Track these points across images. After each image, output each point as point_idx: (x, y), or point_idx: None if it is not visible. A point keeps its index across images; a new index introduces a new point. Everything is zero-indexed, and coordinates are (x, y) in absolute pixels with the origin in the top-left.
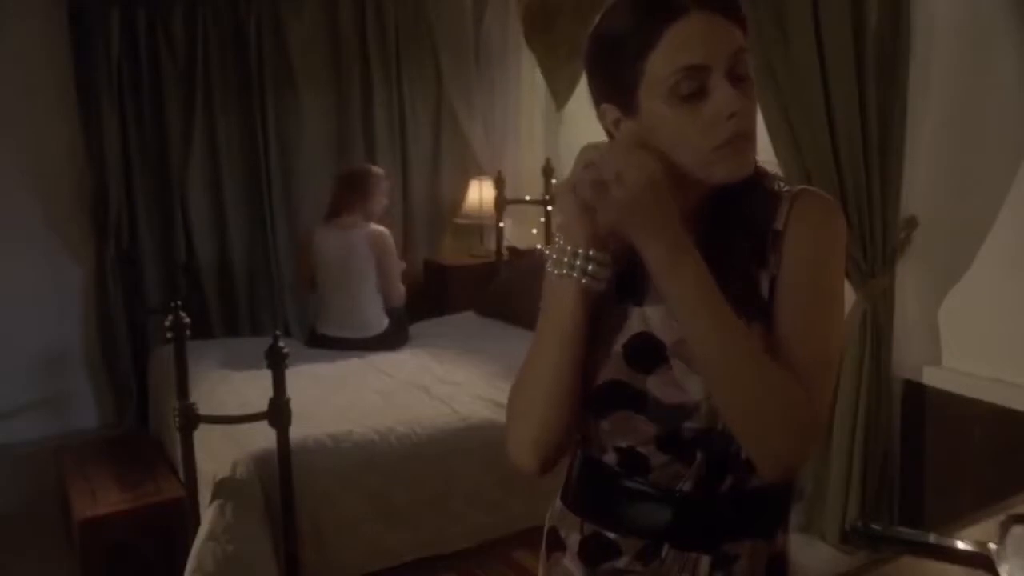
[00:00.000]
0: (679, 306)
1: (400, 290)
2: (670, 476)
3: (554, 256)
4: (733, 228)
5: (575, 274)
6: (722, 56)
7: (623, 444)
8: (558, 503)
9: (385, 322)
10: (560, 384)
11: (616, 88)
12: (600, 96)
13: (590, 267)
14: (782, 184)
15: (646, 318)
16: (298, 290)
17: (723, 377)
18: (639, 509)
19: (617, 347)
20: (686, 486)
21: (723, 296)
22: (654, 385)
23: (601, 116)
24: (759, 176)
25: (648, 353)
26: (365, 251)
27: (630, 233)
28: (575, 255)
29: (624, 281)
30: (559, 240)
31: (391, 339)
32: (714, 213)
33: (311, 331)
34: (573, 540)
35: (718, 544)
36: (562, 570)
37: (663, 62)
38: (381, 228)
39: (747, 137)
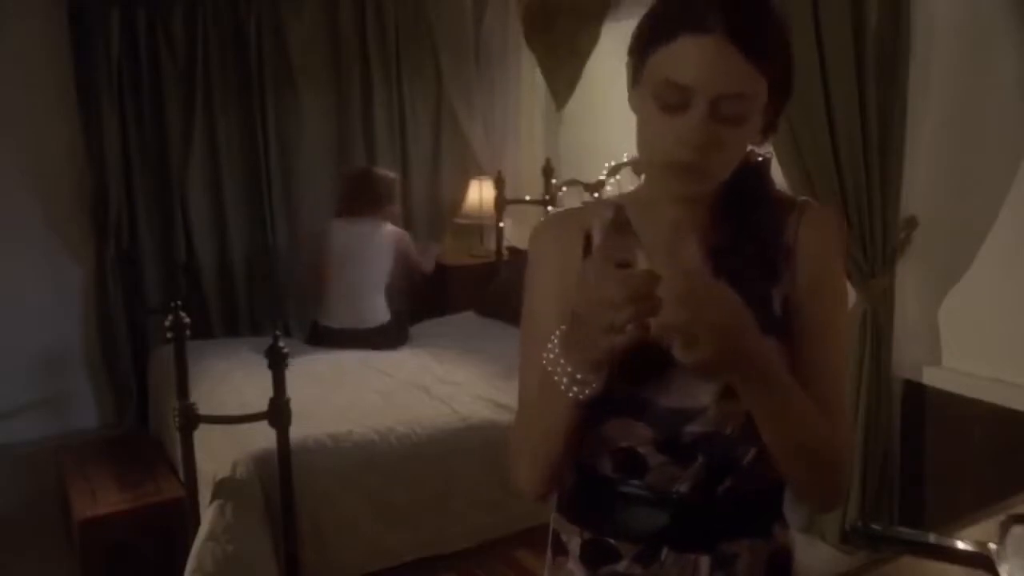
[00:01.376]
0: (758, 412)
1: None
2: (666, 478)
3: (551, 360)
4: (745, 243)
5: (563, 388)
6: (712, 88)
7: (622, 445)
8: (555, 512)
9: (387, 316)
10: (560, 444)
11: (635, 53)
12: (628, 49)
13: (576, 388)
14: (784, 194)
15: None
16: (306, 288)
17: (791, 449)
18: (635, 514)
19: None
20: (683, 488)
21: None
22: (655, 391)
23: (626, 66)
24: (766, 186)
25: (649, 360)
26: (384, 248)
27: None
28: (567, 374)
29: None
30: (555, 348)
31: (391, 333)
32: (724, 223)
33: (313, 325)
34: (574, 544)
35: (716, 544)
36: (565, 573)
37: (660, 64)
38: (398, 229)
39: (694, 170)
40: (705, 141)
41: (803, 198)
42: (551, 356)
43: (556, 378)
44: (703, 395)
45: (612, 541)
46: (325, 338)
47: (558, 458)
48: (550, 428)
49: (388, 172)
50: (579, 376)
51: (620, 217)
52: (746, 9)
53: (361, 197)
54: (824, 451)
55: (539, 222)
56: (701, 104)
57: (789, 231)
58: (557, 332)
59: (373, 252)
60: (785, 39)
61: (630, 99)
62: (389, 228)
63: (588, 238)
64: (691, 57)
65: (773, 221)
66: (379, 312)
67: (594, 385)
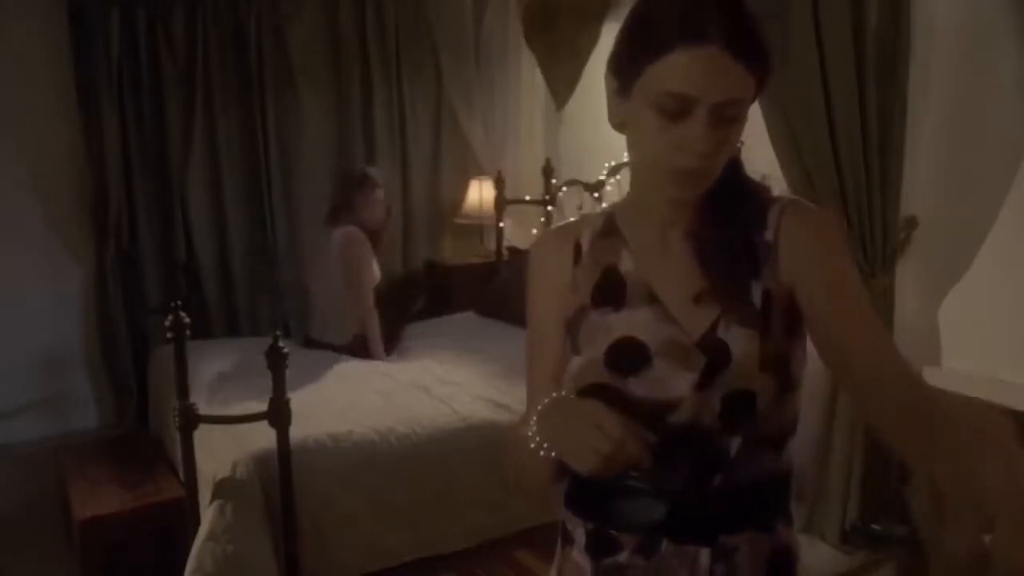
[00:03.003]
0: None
1: (361, 304)
2: (658, 470)
3: (530, 436)
4: (728, 239)
5: (533, 447)
6: (714, 95)
7: None
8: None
9: (355, 330)
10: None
11: (621, 67)
12: (610, 63)
13: (543, 452)
14: (769, 191)
15: (627, 323)
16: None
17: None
18: (633, 506)
19: (598, 354)
20: (676, 481)
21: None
22: (636, 385)
23: (605, 79)
24: (749, 183)
25: (630, 356)
26: (336, 254)
27: None
28: (536, 443)
29: (602, 289)
30: (534, 428)
31: (364, 347)
32: (709, 219)
33: (306, 334)
34: (579, 534)
35: (715, 538)
36: (572, 564)
37: (659, 76)
38: (351, 230)
39: (698, 174)
40: (710, 148)
41: (789, 196)
42: (530, 433)
43: (532, 446)
44: (681, 385)
45: (613, 532)
46: (313, 347)
47: (551, 471)
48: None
49: (355, 169)
50: (553, 455)
51: (608, 223)
52: (735, 17)
53: (331, 208)
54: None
55: (536, 237)
56: (702, 113)
57: (770, 227)
58: (535, 416)
59: (329, 264)
60: (765, 36)
61: (613, 112)
62: (339, 234)
63: (578, 246)
64: (691, 69)
65: (754, 217)
66: (348, 326)
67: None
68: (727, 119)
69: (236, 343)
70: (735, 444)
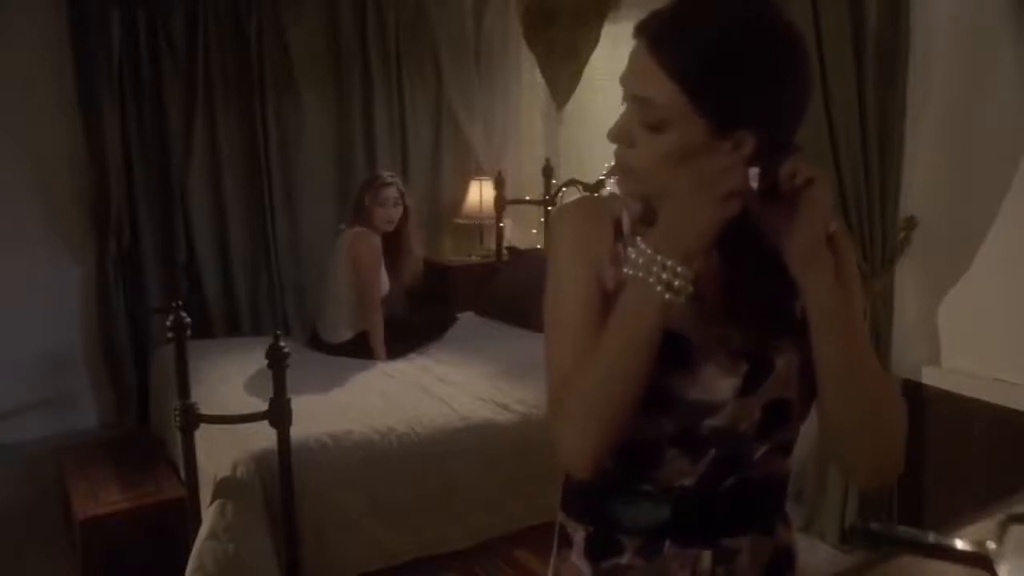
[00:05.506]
0: (836, 314)
1: (365, 303)
2: (674, 472)
3: (641, 264)
4: (763, 252)
5: (660, 287)
6: (630, 85)
7: (636, 438)
8: (560, 507)
9: (349, 333)
10: (629, 395)
11: None
12: None
13: (677, 283)
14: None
15: (672, 315)
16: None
17: (862, 388)
18: (638, 508)
19: None
20: (687, 482)
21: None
22: (679, 384)
23: None
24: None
25: (675, 353)
26: (342, 259)
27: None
28: (664, 267)
29: None
30: (646, 248)
31: (360, 350)
32: (750, 232)
33: (312, 333)
34: (579, 537)
35: (717, 539)
36: (570, 566)
37: None
38: (360, 231)
39: (623, 168)
40: (617, 135)
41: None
42: (641, 261)
43: (651, 280)
44: (724, 390)
45: (615, 535)
46: (316, 346)
47: (623, 425)
48: (626, 376)
49: (377, 173)
50: (679, 269)
51: (648, 211)
52: (665, 20)
53: (350, 209)
54: (900, 415)
55: (563, 205)
56: (628, 103)
57: None
58: (639, 239)
59: (334, 264)
60: (714, 60)
61: None
62: (350, 234)
63: (617, 224)
64: (628, 58)
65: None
66: (340, 328)
67: (688, 284)
68: (647, 122)
69: (237, 343)
70: (761, 450)
